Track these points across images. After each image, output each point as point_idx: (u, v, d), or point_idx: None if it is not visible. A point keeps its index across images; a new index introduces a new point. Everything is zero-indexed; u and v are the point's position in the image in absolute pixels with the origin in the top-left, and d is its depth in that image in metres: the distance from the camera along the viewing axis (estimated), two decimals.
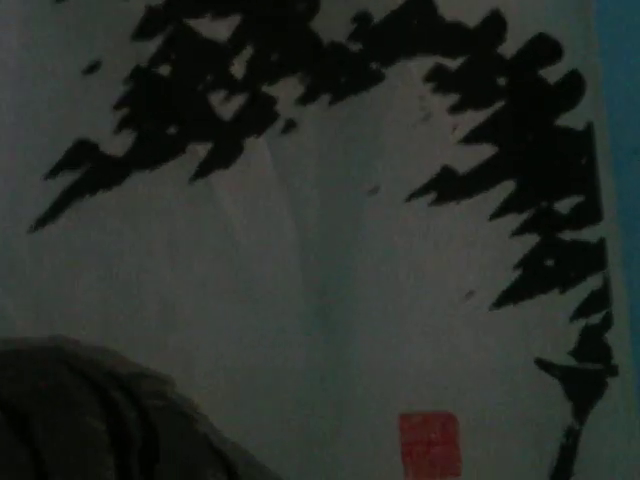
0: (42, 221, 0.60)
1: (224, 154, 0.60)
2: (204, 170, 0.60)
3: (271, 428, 0.57)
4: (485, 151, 0.60)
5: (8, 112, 0.60)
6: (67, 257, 0.59)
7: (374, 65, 0.61)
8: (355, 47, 0.61)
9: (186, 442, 0.56)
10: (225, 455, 0.56)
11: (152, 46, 0.60)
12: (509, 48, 0.61)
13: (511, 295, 0.59)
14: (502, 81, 0.61)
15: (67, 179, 0.60)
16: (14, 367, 0.57)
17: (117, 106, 0.60)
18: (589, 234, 0.59)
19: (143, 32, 0.60)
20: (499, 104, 0.60)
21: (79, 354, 0.58)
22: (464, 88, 0.61)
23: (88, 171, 0.60)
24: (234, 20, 0.60)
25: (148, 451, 0.56)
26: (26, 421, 0.56)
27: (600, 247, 0.59)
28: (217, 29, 0.60)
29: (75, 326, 0.58)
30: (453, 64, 0.61)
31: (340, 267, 0.59)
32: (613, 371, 0.58)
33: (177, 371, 0.57)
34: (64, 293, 0.59)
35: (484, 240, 0.59)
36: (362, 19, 0.60)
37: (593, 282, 0.59)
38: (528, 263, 0.59)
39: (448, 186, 0.60)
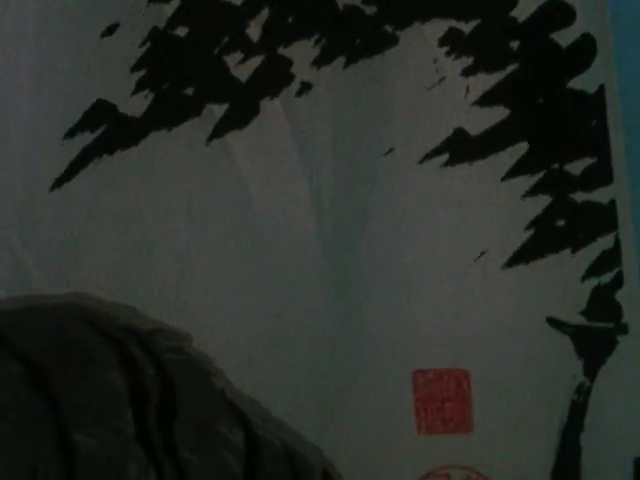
0: (61, 181, 0.60)
1: (240, 115, 0.61)
2: (220, 131, 0.61)
3: (286, 384, 0.58)
4: (498, 113, 0.61)
5: (27, 75, 0.61)
6: (85, 216, 0.60)
7: (389, 28, 0.61)
8: (370, 10, 0.61)
9: (203, 397, 0.57)
10: (241, 410, 0.57)
11: (169, 8, 0.61)
12: (522, 11, 0.61)
13: (523, 255, 0.59)
14: (515, 44, 0.61)
15: (85, 140, 0.61)
16: (34, 323, 0.58)
17: (134, 68, 0.61)
18: (600, 195, 0.60)
19: None
20: (512, 67, 0.61)
21: (98, 310, 0.58)
22: (477, 51, 0.61)
23: (106, 132, 0.61)
24: None
25: (166, 405, 0.56)
26: (45, 376, 0.57)
27: (611, 208, 0.60)
28: None
29: (93, 283, 0.59)
30: (467, 27, 0.61)
31: (354, 228, 0.59)
32: (623, 329, 0.58)
33: (194, 328, 0.58)
34: (83, 251, 0.59)
35: (497, 201, 0.60)
36: None
37: (604, 242, 0.59)
38: (540, 223, 0.59)
39: (461, 148, 0.60)
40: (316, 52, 0.61)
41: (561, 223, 0.59)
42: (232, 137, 0.61)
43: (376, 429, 0.57)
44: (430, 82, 0.61)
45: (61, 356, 0.57)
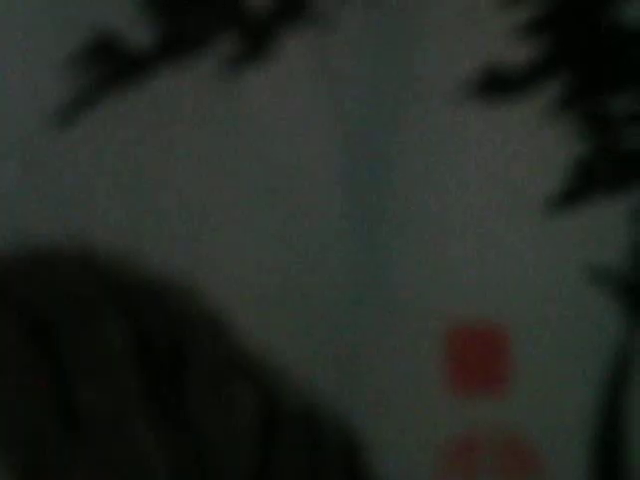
0: (64, 123, 0.57)
1: (254, 55, 0.58)
2: (233, 71, 0.57)
3: (303, 337, 0.56)
4: (536, 46, 0.57)
5: (31, 10, 0.58)
6: (92, 163, 0.58)
7: None
8: None
9: (213, 350, 0.55)
10: (255, 365, 0.55)
11: None
12: None
13: (564, 202, 0.56)
14: None
15: (90, 80, 0.58)
16: (39, 275, 0.56)
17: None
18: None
19: None
20: None
21: (105, 263, 0.57)
22: None
23: (111, 71, 0.58)
24: None
25: (175, 358, 0.55)
26: (49, 329, 0.55)
27: None
28: None
29: (101, 233, 0.57)
30: None
31: (380, 168, 0.57)
32: None
33: (206, 281, 0.55)
34: (89, 200, 0.58)
35: (534, 143, 0.56)
36: None
37: None
38: (580, 165, 0.56)
39: (496, 82, 0.57)
40: None
41: (602, 169, 0.56)
42: (246, 77, 0.58)
43: (403, 388, 0.55)
44: (462, 12, 0.57)
45: (66, 309, 0.56)
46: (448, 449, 0.54)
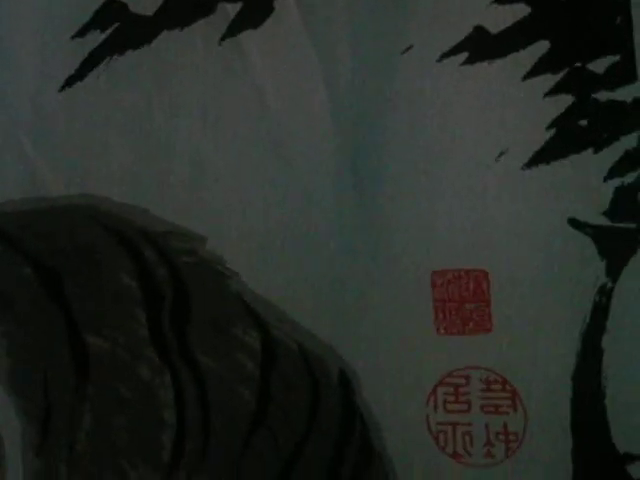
0: (72, 80, 0.59)
1: (254, 14, 0.59)
2: (234, 30, 0.60)
3: (302, 285, 0.57)
4: (519, 10, 0.59)
5: None
6: (98, 116, 0.59)
7: None
8: None
9: (217, 298, 0.56)
10: (256, 312, 0.56)
11: None
12: None
13: (544, 155, 0.58)
14: None
15: (96, 39, 0.60)
16: (46, 225, 0.58)
17: None
18: (624, 94, 0.58)
19: None
20: None
21: (110, 212, 0.58)
22: None
23: (117, 31, 0.60)
24: None
25: (179, 308, 0.56)
26: (57, 278, 0.56)
27: (635, 107, 0.58)
28: None
29: (106, 185, 0.58)
30: None
31: (372, 126, 0.58)
32: None
33: (208, 229, 0.57)
34: (96, 152, 0.59)
35: (517, 100, 0.58)
36: None
37: (627, 141, 0.58)
38: (562, 123, 0.58)
39: (481, 46, 0.59)
40: None
41: (583, 122, 0.58)
42: (246, 36, 0.59)
43: (394, 329, 0.56)
44: None
45: (73, 258, 0.57)
46: (439, 386, 0.56)
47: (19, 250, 0.57)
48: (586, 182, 0.58)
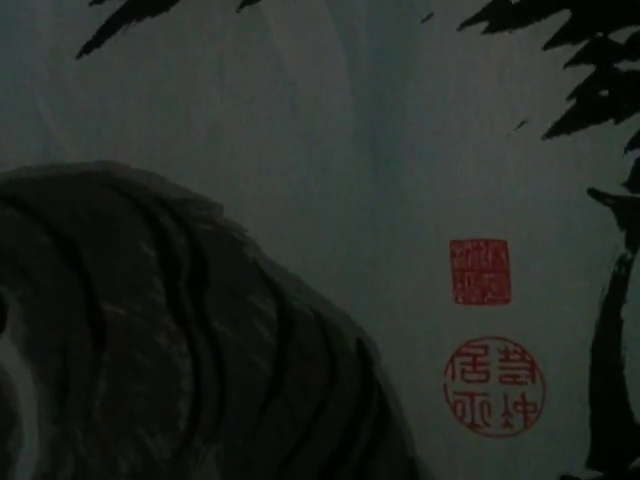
0: (89, 47, 0.59)
1: None
2: None
3: (320, 254, 0.57)
4: None
5: None
6: (115, 83, 0.59)
7: None
8: None
9: (234, 267, 0.56)
10: (273, 280, 0.56)
11: None
12: None
13: (564, 125, 0.57)
14: None
15: (114, 5, 0.59)
16: (63, 193, 0.58)
17: None
18: None
19: None
20: None
21: (127, 179, 0.58)
22: None
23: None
24: None
25: (196, 276, 0.56)
26: (74, 246, 0.56)
27: None
28: None
29: (123, 151, 0.58)
30: None
31: (390, 95, 0.58)
32: None
33: (225, 197, 0.57)
34: (112, 119, 0.59)
35: (538, 70, 0.58)
36: None
37: None
38: (582, 93, 0.58)
39: (502, 15, 0.58)
40: None
41: (604, 93, 0.58)
42: (265, 4, 0.59)
43: (412, 299, 0.56)
44: None
45: (90, 226, 0.57)
46: (457, 356, 0.56)
47: (37, 218, 0.57)
48: (606, 153, 0.57)
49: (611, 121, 0.58)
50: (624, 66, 0.58)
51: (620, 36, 0.58)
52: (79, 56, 0.59)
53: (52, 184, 0.58)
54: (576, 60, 0.58)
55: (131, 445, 0.55)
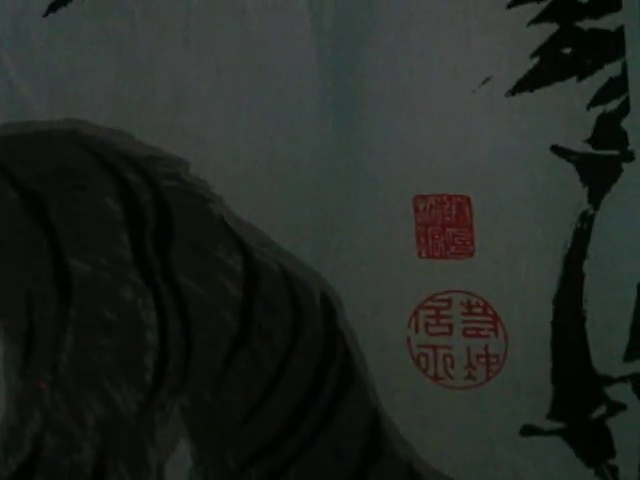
0: (56, 5, 0.59)
1: None
2: None
3: (285, 210, 0.57)
4: None
5: None
6: (81, 41, 0.59)
7: None
8: None
9: (200, 222, 0.57)
10: (239, 235, 0.56)
11: None
12: None
13: (528, 82, 0.58)
14: None
15: None
16: (30, 150, 0.58)
17: None
18: (608, 22, 0.58)
19: None
20: None
21: (93, 137, 0.58)
22: None
23: None
24: None
25: (162, 231, 0.56)
26: (41, 202, 0.56)
27: (619, 35, 0.58)
28: None
29: (90, 109, 0.58)
30: None
31: (354, 52, 0.58)
32: (628, 156, 0.57)
33: (191, 154, 0.57)
34: (78, 77, 0.59)
35: (502, 27, 0.58)
36: None
37: (611, 69, 0.58)
38: (546, 51, 0.58)
39: None
40: None
41: (567, 50, 0.58)
42: None
43: (376, 253, 0.56)
44: None
45: (57, 182, 0.57)
46: (420, 309, 0.56)
47: (3, 174, 0.57)
48: (570, 109, 0.58)
49: (574, 78, 0.58)
50: (587, 24, 0.59)
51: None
52: (46, 14, 0.59)
53: (19, 141, 0.58)
54: (540, 18, 0.58)
55: (97, 398, 0.55)
